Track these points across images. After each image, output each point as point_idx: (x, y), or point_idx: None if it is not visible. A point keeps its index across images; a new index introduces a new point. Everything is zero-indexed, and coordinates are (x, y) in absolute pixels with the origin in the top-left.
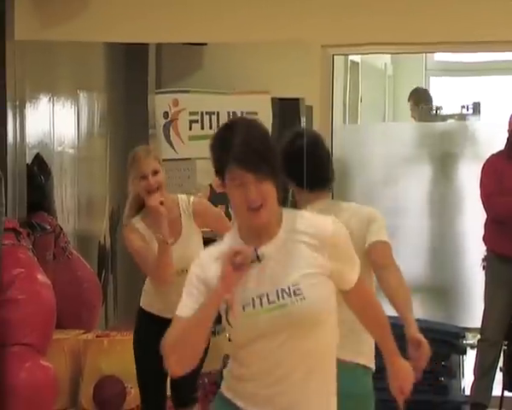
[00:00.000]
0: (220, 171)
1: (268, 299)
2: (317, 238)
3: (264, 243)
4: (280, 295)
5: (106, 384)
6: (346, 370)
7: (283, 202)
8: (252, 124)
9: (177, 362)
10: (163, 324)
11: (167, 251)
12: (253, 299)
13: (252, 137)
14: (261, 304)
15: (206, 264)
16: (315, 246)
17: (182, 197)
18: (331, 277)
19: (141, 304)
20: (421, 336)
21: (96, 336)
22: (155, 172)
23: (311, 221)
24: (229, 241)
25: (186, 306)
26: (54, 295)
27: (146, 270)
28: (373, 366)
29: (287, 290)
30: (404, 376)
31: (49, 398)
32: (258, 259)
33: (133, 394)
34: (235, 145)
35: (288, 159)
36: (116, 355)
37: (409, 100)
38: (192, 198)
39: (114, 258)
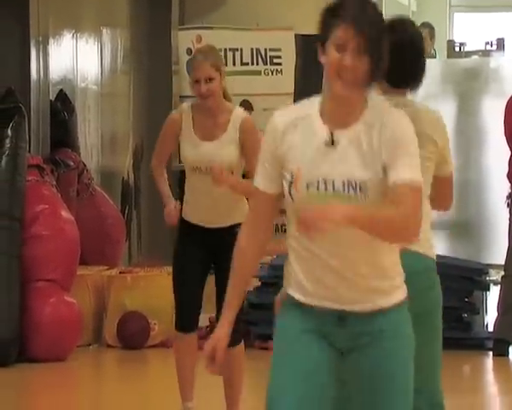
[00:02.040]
0: (325, 35)
1: (333, 186)
2: (392, 138)
3: (342, 127)
4: (346, 186)
5: (129, 320)
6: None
7: None
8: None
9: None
10: (201, 232)
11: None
12: (318, 181)
13: (369, 10)
14: (325, 188)
15: (278, 134)
16: (386, 142)
17: (238, 109)
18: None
19: (182, 214)
20: None
21: (120, 273)
22: (210, 79)
23: (392, 119)
24: (306, 110)
25: (260, 174)
26: (77, 232)
27: (154, 155)
28: (431, 254)
29: (353, 185)
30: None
31: (72, 333)
32: (333, 143)
33: (157, 330)
34: (352, 8)
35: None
36: (140, 291)
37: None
38: (245, 114)
39: (138, 194)
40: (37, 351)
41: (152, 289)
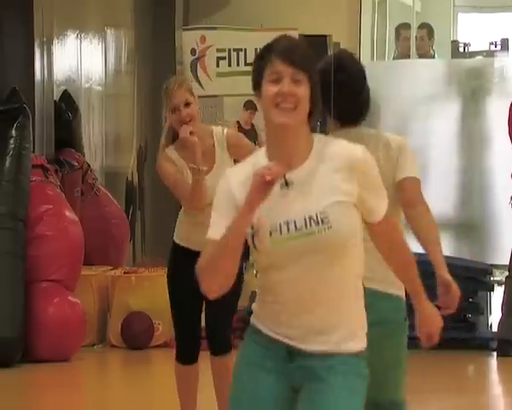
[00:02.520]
0: (259, 77)
1: (295, 226)
2: (345, 164)
3: (292, 167)
4: (308, 222)
5: (133, 320)
6: (376, 299)
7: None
8: (295, 38)
9: (210, 285)
10: (196, 257)
11: (201, 180)
12: (280, 225)
13: (296, 41)
14: (288, 230)
15: (233, 184)
16: (343, 172)
17: (216, 128)
18: (357, 205)
19: (174, 238)
20: (450, 279)
21: (124, 273)
22: (187, 104)
23: (341, 147)
24: (255, 160)
25: (217, 225)
26: (81, 232)
27: (180, 198)
28: (403, 293)
29: (314, 218)
30: (432, 322)
31: (76, 333)
32: (287, 184)
33: (161, 330)
34: (280, 43)
35: (322, 89)
36: (144, 291)
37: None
38: (226, 130)
39: (142, 194)
40: (41, 351)
41: (156, 290)
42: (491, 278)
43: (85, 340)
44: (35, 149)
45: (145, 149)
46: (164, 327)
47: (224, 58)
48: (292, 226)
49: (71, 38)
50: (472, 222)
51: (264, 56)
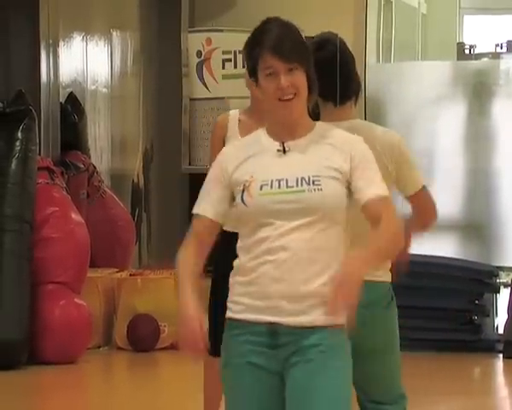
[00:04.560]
0: (254, 67)
1: (287, 183)
2: (343, 146)
3: (291, 140)
4: (299, 182)
5: (139, 323)
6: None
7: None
8: (285, 21)
9: None
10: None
11: None
12: (271, 181)
13: (285, 29)
14: (279, 186)
15: (230, 169)
16: (340, 151)
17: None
18: (349, 185)
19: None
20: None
21: (130, 275)
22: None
23: (341, 134)
24: (256, 138)
25: (204, 203)
26: (87, 234)
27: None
28: (389, 278)
29: (306, 179)
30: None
31: (82, 336)
32: (284, 151)
33: (167, 332)
34: (269, 36)
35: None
36: (150, 294)
37: None
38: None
39: (148, 196)
40: (48, 353)
41: (162, 292)
42: (497, 280)
43: (91, 342)
44: (41, 151)
45: (151, 151)
46: (170, 329)
47: (229, 60)
48: (283, 183)
49: (77, 40)
50: (478, 224)
51: (254, 49)
